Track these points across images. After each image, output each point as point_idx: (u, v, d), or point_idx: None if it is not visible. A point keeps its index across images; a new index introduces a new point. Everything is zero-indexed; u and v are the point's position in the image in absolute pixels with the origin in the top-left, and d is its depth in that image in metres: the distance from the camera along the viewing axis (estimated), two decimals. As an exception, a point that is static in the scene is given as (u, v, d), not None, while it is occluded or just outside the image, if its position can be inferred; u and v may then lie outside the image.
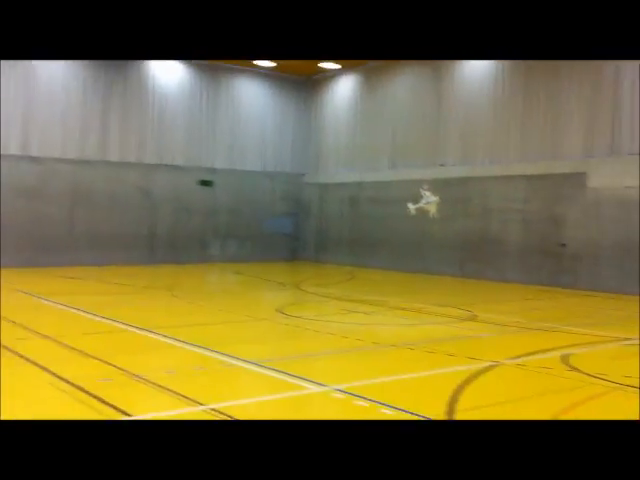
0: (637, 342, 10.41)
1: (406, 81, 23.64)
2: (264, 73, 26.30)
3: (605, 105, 17.68)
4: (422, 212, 18.49)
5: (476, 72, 21.13)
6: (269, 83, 26.61)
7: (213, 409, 6.27)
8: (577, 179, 17.92)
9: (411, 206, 18.63)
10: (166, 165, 24.28)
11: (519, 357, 8.93)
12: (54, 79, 22.11)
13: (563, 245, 18.10)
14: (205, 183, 25.03)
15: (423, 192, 18.29)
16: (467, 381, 7.48)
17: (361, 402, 6.61)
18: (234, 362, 8.37)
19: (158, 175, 24.11)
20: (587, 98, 18.14)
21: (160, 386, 7.05)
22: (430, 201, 18.14)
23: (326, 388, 7.18)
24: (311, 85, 27.27)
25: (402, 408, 6.36)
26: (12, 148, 21.37)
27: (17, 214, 21.28)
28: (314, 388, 7.24)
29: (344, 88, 26.13)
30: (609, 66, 17.55)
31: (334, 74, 26.34)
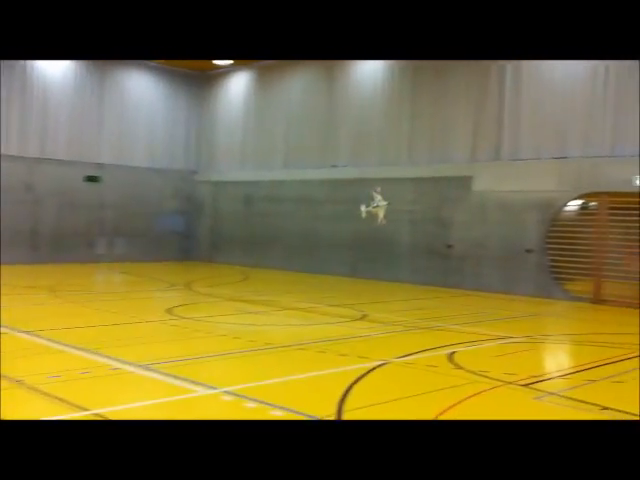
0: (517, 340, 10.90)
1: (299, 80, 23.73)
2: (154, 67, 25.63)
3: (490, 112, 18.41)
4: (371, 215, 18.35)
5: (368, 73, 21.47)
6: (160, 77, 25.96)
7: (98, 414, 6.04)
8: (463, 182, 18.58)
9: (363, 208, 18.36)
10: (50, 159, 23.23)
11: (407, 356, 9.14)
12: None
13: (450, 246, 18.71)
14: (91, 179, 24.12)
15: (375, 195, 18.10)
16: (357, 380, 7.57)
17: (250, 404, 6.56)
18: (121, 365, 8.10)
19: (42, 169, 23.02)
20: (473, 102, 18.82)
21: (42, 392, 6.72)
22: (380, 205, 18.04)
23: (215, 390, 7.08)
24: (204, 81, 26.87)
25: (292, 409, 6.35)
26: None
27: None
28: (203, 391, 7.11)
29: (237, 85, 25.91)
30: (494, 71, 18.29)
31: (227, 70, 26.06)
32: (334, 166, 22.21)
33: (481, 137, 18.63)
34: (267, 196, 24.21)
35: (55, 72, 23.32)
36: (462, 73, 18.98)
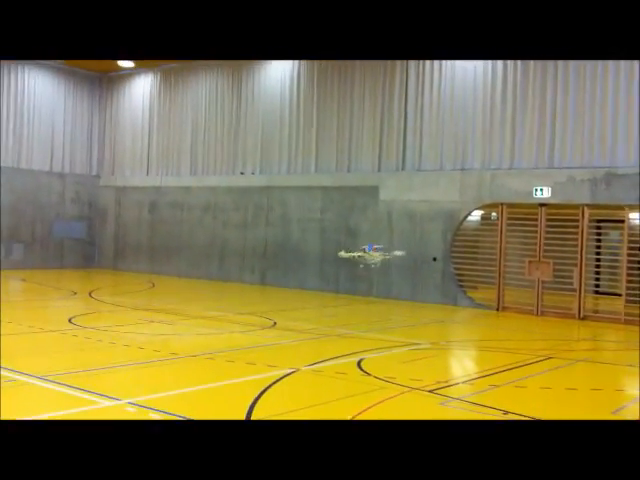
0: (424, 347, 11.10)
1: (205, 84, 23.39)
2: (54, 67, 24.66)
3: (394, 124, 18.75)
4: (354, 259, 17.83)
5: (274, 81, 21.41)
6: (60, 78, 24.99)
7: (-10, 430, 5.69)
8: (370, 192, 18.83)
9: (343, 254, 17.89)
10: None
11: (317, 363, 9.13)
12: None
13: (434, 259, 18.82)
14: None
15: (368, 251, 17.57)
16: (266, 389, 7.48)
17: (155, 415, 6.36)
18: (18, 377, 7.70)
19: None
20: (378, 113, 19.11)
21: None
22: (373, 260, 17.63)
23: (119, 402, 6.83)
24: (106, 82, 26.12)
25: (199, 419, 6.20)
26: None
27: None
28: (106, 402, 6.85)
29: (141, 88, 25.30)
30: (397, 84, 18.67)
31: (131, 72, 25.41)
32: (242, 173, 22.07)
33: (386, 148, 18.96)
34: (173, 202, 23.77)
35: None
36: (367, 83, 19.27)
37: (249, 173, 21.92)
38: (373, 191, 18.80)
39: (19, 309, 14.61)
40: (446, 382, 8.49)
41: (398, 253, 16.88)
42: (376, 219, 18.76)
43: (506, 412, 6.87)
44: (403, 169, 18.58)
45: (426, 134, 18.15)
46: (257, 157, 21.87)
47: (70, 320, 12.41)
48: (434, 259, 17.44)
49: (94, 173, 26.11)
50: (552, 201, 15.68)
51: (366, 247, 17.05)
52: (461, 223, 17.28)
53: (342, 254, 17.45)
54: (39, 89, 24.54)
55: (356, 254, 17.17)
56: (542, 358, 10.18)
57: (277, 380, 7.98)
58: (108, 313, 14.41)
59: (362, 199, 19.10)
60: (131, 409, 6.59)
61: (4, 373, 7.83)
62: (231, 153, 22.52)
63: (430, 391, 7.71)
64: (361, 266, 17.32)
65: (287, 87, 21.18)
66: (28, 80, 24.20)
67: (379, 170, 19.05)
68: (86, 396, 6.99)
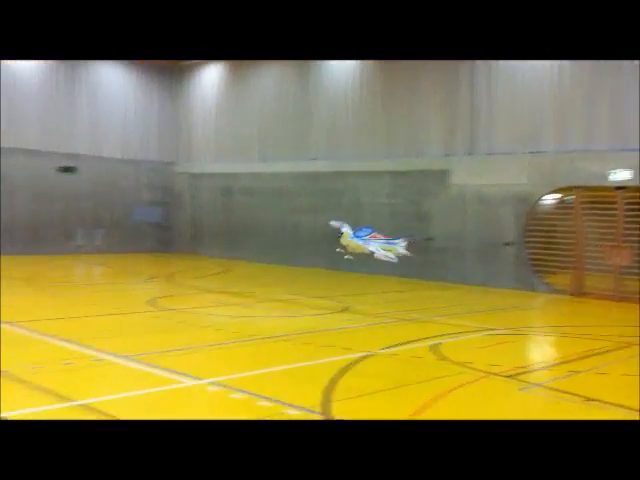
0: (501, 332, 10.97)
1: (273, 72, 23.56)
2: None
3: (463, 106, 18.46)
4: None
5: (342, 68, 21.41)
6: (133, 68, 25.67)
7: (84, 405, 5.97)
8: (440, 176, 18.62)
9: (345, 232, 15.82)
10: (22, 149, 22.87)
11: (392, 347, 9.15)
12: None
13: (429, 239, 18.75)
14: (67, 170, 23.82)
15: (355, 238, 15.44)
16: (343, 371, 7.56)
17: (237, 395, 6.52)
18: (105, 356, 8.03)
19: (13, 160, 22.64)
20: (446, 98, 18.87)
21: (26, 382, 6.63)
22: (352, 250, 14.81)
23: (201, 382, 7.03)
24: (178, 72, 26.62)
25: (279, 400, 6.33)
26: None
27: None
28: (189, 382, 7.06)
29: (211, 77, 25.69)
30: (466, 65, 18.36)
31: (201, 62, 25.85)
32: (313, 159, 22.15)
33: (456, 131, 18.69)
34: (245, 188, 24.10)
35: (26, 62, 22.96)
36: (434, 65, 18.99)
37: (319, 159, 21.98)
38: (443, 175, 18.59)
39: (101, 292, 15.15)
40: (524, 368, 8.39)
41: (400, 247, 13.97)
42: (446, 203, 18.56)
43: (588, 399, 6.75)
44: (473, 152, 18.30)
45: (497, 116, 17.79)
46: (325, 143, 21.93)
47: (150, 302, 12.80)
48: (506, 244, 17.14)
49: (167, 160, 26.71)
50: (631, 184, 15.17)
51: (347, 230, 14.15)
52: (534, 207, 16.92)
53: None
54: (113, 81, 25.26)
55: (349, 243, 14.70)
56: (623, 345, 9.91)
57: (353, 363, 8.05)
58: (186, 296, 14.79)
59: (432, 184, 18.91)
60: (213, 388, 6.78)
61: (93, 353, 8.17)
62: (300, 139, 22.65)
63: (509, 376, 7.64)
64: (346, 257, 14.62)
65: (355, 72, 21.12)
66: (102, 73, 24.94)
67: (449, 154, 18.81)
68: (170, 375, 7.22)
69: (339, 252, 13.45)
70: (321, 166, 21.78)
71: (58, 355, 8.06)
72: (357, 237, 11.04)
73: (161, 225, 26.40)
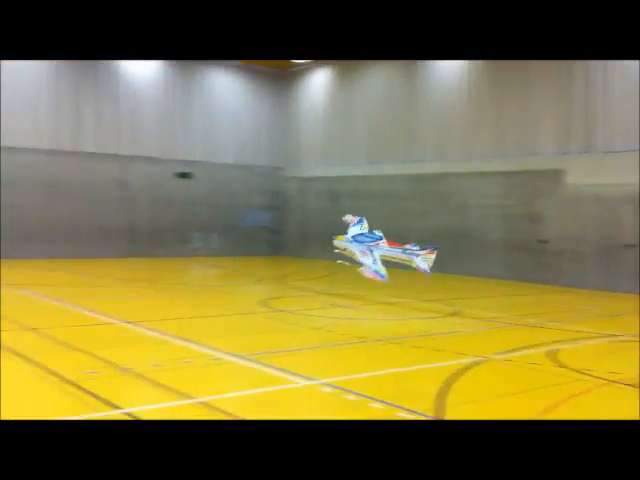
0: (622, 338, 10.50)
1: (380, 76, 23.61)
2: (237, 66, 26.12)
3: (578, 104, 17.79)
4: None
5: (450, 68, 21.14)
6: (243, 75, 26.47)
7: (202, 402, 6.20)
8: (554, 176, 18.03)
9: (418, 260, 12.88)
10: (142, 157, 24.04)
11: (506, 352, 8.96)
12: (24, 69, 21.77)
13: (544, 242, 18.20)
14: (183, 175, 24.84)
15: (413, 256, 12.46)
16: (455, 376, 7.48)
17: (350, 396, 6.58)
18: (220, 355, 8.30)
19: (134, 166, 23.86)
20: (559, 96, 18.24)
21: (147, 379, 6.97)
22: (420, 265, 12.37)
23: (314, 382, 7.14)
24: (287, 78, 27.16)
25: (391, 402, 6.34)
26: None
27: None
28: (302, 382, 7.19)
29: (319, 82, 26.06)
30: (578, 65, 17.67)
31: (309, 67, 26.24)
32: (419, 161, 21.97)
33: (570, 130, 18.04)
34: (352, 192, 24.22)
35: (144, 73, 24.12)
36: (545, 66, 18.40)
37: (426, 161, 21.77)
38: (557, 175, 17.99)
39: (216, 293, 15.65)
40: (648, 376, 8.00)
41: (421, 260, 11.29)
42: (561, 204, 17.94)
43: None
44: (589, 151, 17.61)
45: (613, 114, 17.05)
46: (433, 144, 21.72)
47: (262, 303, 13.11)
48: (627, 246, 16.35)
49: (277, 165, 27.28)
50: None
51: (358, 228, 11.79)
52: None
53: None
54: (224, 87, 26.11)
55: (342, 247, 12.44)
56: None
57: (466, 368, 7.94)
58: (296, 297, 15.04)
59: (545, 184, 18.34)
60: (327, 389, 6.87)
61: (209, 351, 8.47)
62: (406, 141, 22.54)
63: (630, 385, 7.31)
64: (339, 261, 12.76)
65: (463, 71, 20.81)
66: (215, 80, 25.81)
67: (563, 153, 18.19)
68: (284, 375, 7.38)
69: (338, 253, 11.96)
70: (428, 168, 21.60)
71: (178, 354, 8.41)
72: (357, 242, 9.05)
73: (271, 229, 26.99)
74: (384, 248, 8.10)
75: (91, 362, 7.67)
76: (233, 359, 8.12)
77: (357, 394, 6.63)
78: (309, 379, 7.25)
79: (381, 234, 8.36)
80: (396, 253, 8.27)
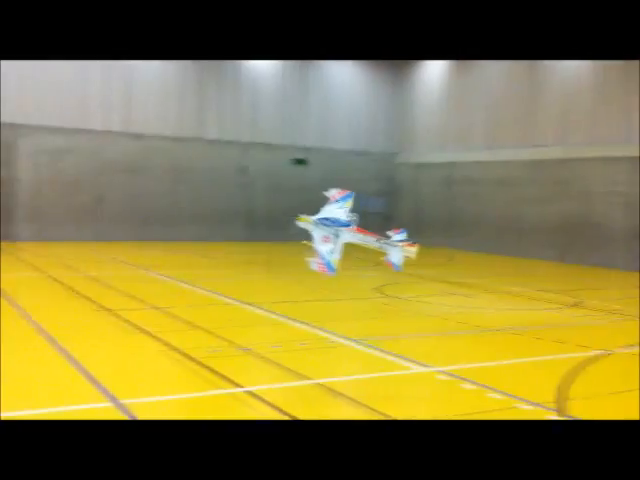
0: None
1: (499, 60, 22.90)
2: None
3: None
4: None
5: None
6: (359, 62, 26.48)
7: (320, 384, 6.32)
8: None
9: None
10: (260, 143, 24.62)
11: (632, 346, 8.56)
12: (154, 63, 22.71)
13: None
14: (299, 162, 25.25)
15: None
16: (578, 369, 7.23)
17: (467, 385, 6.50)
18: (336, 339, 8.41)
19: (253, 153, 24.49)
20: None
21: (268, 359, 7.17)
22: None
23: (430, 369, 7.10)
24: (403, 65, 26.89)
25: (511, 394, 6.22)
26: (114, 124, 22.18)
27: (120, 189, 22.12)
28: (418, 368, 7.17)
29: (436, 67, 25.63)
30: None
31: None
32: (540, 146, 21.24)
33: None
34: (467, 177, 23.77)
35: (263, 63, 24.66)
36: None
37: (547, 145, 21.01)
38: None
39: (330, 278, 15.79)
40: None
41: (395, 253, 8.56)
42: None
43: None
44: None
45: None
46: (554, 128, 20.91)
47: (377, 289, 13.14)
48: None
49: (392, 151, 27.18)
50: None
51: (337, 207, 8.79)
52: None
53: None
54: (341, 74, 26.27)
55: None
56: None
57: (590, 361, 7.66)
58: (410, 284, 14.96)
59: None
60: (442, 377, 6.82)
61: (325, 335, 8.60)
62: (525, 126, 21.82)
63: None
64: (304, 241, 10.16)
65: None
66: (330, 66, 26.01)
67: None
68: (397, 360, 7.39)
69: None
70: (549, 153, 20.84)
71: (294, 336, 8.59)
72: (322, 225, 7.51)
73: (384, 215, 26.94)
74: (356, 236, 6.84)
75: (213, 341, 7.98)
76: (348, 343, 8.21)
77: (474, 383, 6.54)
78: (424, 366, 7.23)
79: (350, 221, 6.66)
80: (368, 242, 6.96)
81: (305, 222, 6.53)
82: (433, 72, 25.80)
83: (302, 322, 9.33)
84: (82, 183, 21.56)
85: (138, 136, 22.47)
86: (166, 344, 7.66)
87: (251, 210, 24.34)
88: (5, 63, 19.85)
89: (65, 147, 21.36)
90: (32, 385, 6.09)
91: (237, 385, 6.17)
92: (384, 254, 6.93)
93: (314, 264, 6.25)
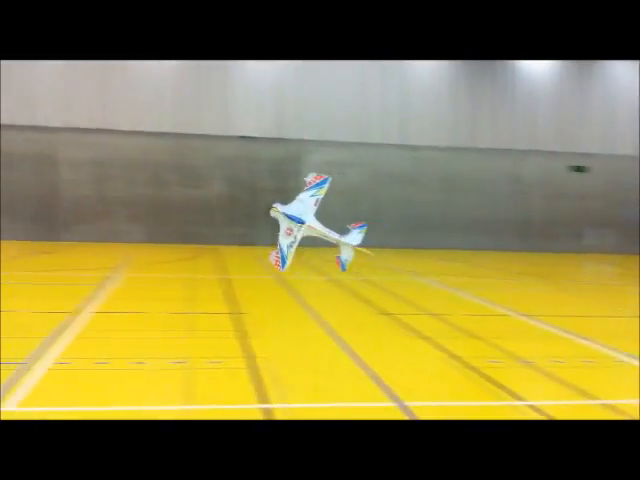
0: None
1: None
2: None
3: None
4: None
5: None
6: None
7: (605, 405, 6.02)
8: None
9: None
10: (537, 150, 23.89)
11: None
12: (425, 71, 23.22)
13: None
14: (578, 169, 24.05)
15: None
16: None
17: None
18: (624, 358, 7.92)
19: (529, 161, 23.86)
20: None
21: (549, 374, 7.00)
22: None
23: None
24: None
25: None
26: (392, 138, 23.02)
27: (394, 199, 22.90)
28: None
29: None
30: None
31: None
32: None
33: None
34: None
35: (539, 67, 23.98)
36: None
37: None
38: None
39: (613, 293, 14.88)
40: None
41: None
42: None
43: None
44: None
45: None
46: None
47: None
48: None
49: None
50: None
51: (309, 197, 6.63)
52: None
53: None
54: (624, 76, 24.57)
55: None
56: None
57: None
58: None
59: None
60: None
61: (611, 353, 8.14)
62: None
63: None
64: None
65: None
66: (612, 69, 24.46)
67: None
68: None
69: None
70: None
71: (578, 351, 8.26)
72: (287, 216, 5.85)
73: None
74: (314, 231, 5.75)
75: (491, 351, 7.98)
76: (637, 363, 7.69)
77: None
78: None
79: (304, 218, 5.43)
80: (331, 236, 5.84)
81: (275, 212, 5.90)
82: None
83: (584, 337, 8.94)
84: (363, 192, 22.70)
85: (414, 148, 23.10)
86: (445, 350, 7.84)
87: (524, 219, 23.73)
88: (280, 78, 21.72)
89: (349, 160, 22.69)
90: (319, 380, 6.63)
91: (518, 397, 6.13)
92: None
93: (271, 257, 5.82)
